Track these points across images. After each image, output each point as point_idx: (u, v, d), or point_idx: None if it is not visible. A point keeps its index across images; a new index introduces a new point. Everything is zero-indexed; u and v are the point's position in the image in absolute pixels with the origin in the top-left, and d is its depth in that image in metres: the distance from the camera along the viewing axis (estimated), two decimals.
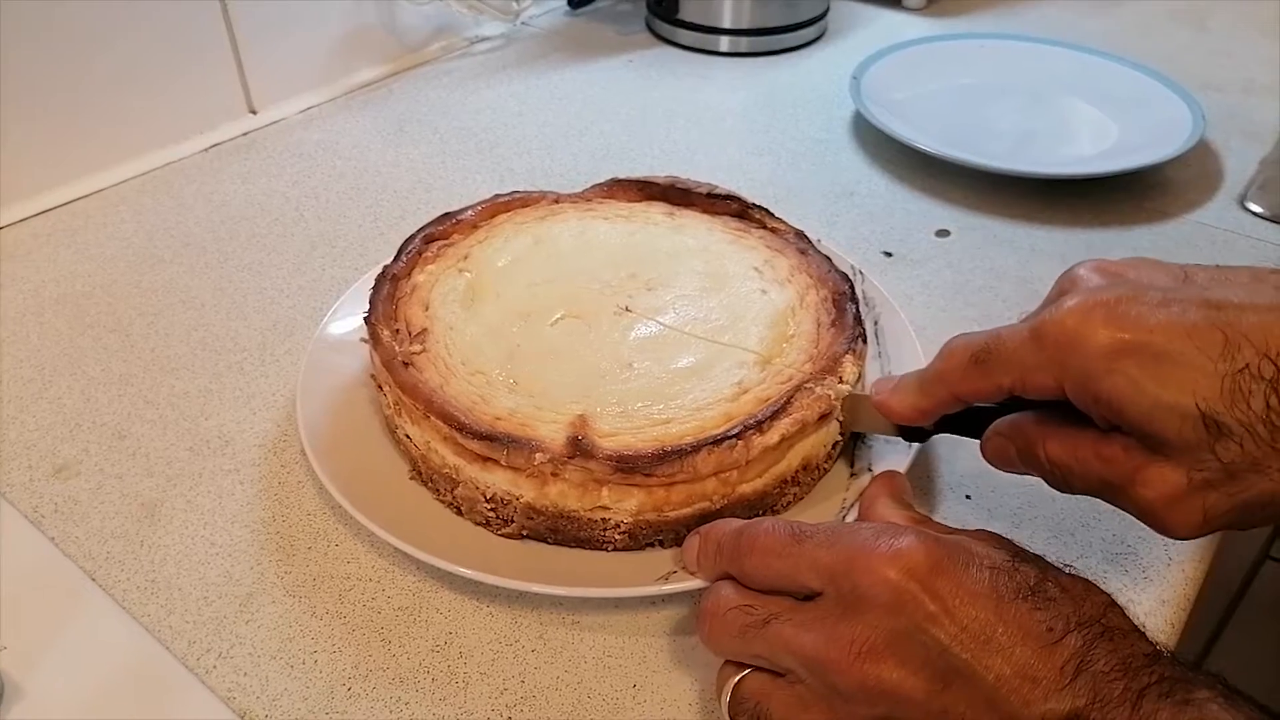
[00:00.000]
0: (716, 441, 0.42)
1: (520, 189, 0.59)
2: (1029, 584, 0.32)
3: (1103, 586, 0.34)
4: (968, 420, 0.42)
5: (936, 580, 0.32)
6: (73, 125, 0.70)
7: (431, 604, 0.43)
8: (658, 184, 0.58)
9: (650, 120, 0.83)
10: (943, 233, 0.68)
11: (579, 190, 0.59)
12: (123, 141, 0.73)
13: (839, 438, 0.46)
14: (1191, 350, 0.32)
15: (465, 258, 0.53)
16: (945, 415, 0.42)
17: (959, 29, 0.99)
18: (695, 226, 0.56)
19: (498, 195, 0.58)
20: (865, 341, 0.48)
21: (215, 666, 0.41)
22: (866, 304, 0.55)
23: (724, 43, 0.95)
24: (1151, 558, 0.45)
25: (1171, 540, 0.46)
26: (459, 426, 0.43)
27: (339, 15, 0.84)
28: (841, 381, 0.45)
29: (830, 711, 0.33)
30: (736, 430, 0.42)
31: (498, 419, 0.43)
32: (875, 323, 0.54)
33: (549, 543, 0.44)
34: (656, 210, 0.57)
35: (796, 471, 0.45)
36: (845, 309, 0.49)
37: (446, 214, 0.56)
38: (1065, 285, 0.39)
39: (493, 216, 0.57)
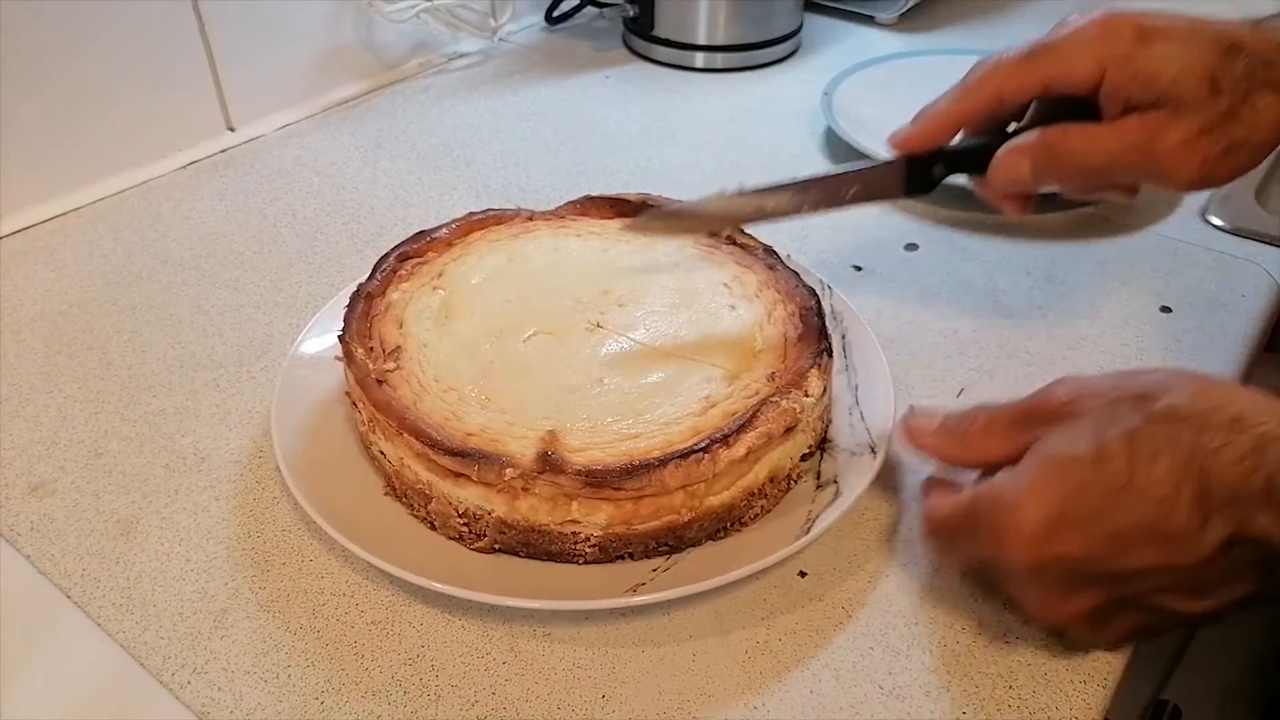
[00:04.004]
0: (683, 455, 0.42)
1: (495, 206, 0.60)
2: (1121, 471, 0.36)
3: None
4: (970, 158, 0.51)
5: (1052, 542, 0.36)
6: (50, 143, 0.70)
7: (404, 618, 0.44)
8: (630, 201, 0.59)
9: (626, 136, 0.84)
10: (911, 247, 0.69)
11: (553, 207, 0.60)
12: (100, 159, 0.74)
13: (807, 450, 0.48)
14: (1195, 31, 0.45)
15: (439, 275, 0.54)
16: (953, 152, 0.52)
17: (930, 45, 1.01)
18: (666, 243, 0.57)
19: (472, 213, 0.59)
20: (831, 355, 0.49)
21: (190, 682, 0.41)
22: (835, 318, 0.56)
23: (699, 59, 0.96)
24: None
25: None
26: (431, 443, 0.43)
27: (317, 32, 0.85)
28: (807, 395, 0.46)
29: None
30: (703, 444, 0.43)
31: (469, 435, 0.44)
32: (843, 336, 0.55)
33: (521, 556, 0.44)
34: None
35: (763, 484, 0.45)
36: (812, 323, 0.50)
37: (421, 232, 0.57)
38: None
39: (467, 234, 0.57)
